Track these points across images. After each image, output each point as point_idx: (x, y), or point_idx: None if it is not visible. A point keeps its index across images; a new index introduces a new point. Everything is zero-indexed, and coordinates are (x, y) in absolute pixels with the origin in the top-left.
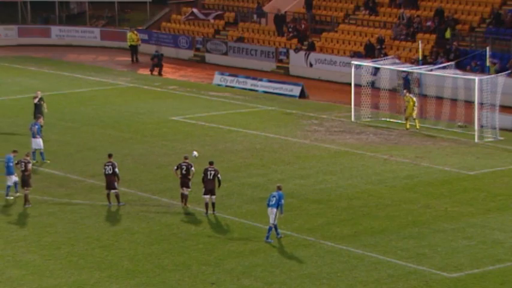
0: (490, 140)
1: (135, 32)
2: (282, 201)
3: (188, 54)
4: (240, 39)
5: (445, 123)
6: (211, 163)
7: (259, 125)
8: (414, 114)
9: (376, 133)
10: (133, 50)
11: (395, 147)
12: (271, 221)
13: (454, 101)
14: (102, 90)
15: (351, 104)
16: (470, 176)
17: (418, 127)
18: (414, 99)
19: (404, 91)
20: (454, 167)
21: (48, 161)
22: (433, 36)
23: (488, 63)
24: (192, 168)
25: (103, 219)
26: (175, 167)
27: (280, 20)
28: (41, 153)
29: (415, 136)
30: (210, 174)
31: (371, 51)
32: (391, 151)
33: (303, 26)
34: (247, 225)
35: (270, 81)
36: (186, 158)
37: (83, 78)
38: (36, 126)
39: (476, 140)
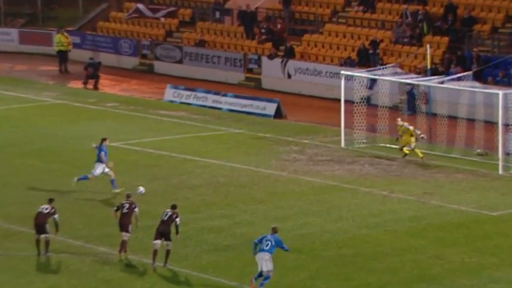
0: None
1: (65, 33)
2: (284, 246)
3: (132, 62)
4: (199, 43)
5: (460, 150)
6: (173, 207)
7: (223, 152)
8: (412, 144)
9: (373, 163)
10: (62, 56)
11: (397, 181)
12: (265, 268)
13: (471, 121)
14: (22, 109)
15: (340, 126)
16: (493, 218)
17: (421, 155)
18: (411, 128)
19: (398, 119)
20: (473, 206)
21: None
22: (445, 39)
23: None
24: (136, 209)
25: (21, 273)
26: (115, 208)
27: (249, 18)
28: None
29: (422, 167)
30: (166, 215)
31: (366, 59)
32: (392, 186)
33: (278, 26)
34: (208, 281)
35: (237, 96)
36: (128, 196)
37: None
38: None
39: (500, 172)
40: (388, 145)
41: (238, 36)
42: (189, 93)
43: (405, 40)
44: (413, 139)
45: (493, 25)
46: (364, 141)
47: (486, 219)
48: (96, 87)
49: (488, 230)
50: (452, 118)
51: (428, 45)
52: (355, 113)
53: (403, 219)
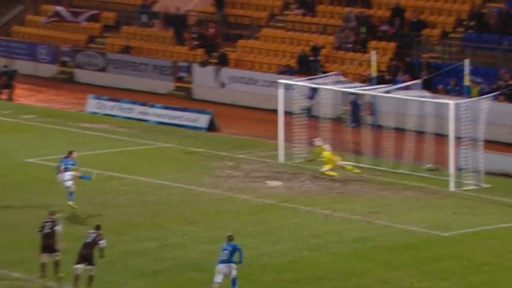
0: (470, 188)
1: None
2: (238, 253)
3: (50, 70)
4: (124, 50)
5: (408, 165)
6: (97, 227)
7: (152, 169)
8: (327, 167)
9: (314, 179)
10: None
11: (341, 199)
12: (233, 275)
13: (420, 134)
14: None
15: (278, 139)
16: (445, 239)
17: (356, 171)
18: (328, 152)
19: (316, 139)
20: (422, 225)
21: None
22: (392, 44)
23: (467, 82)
24: (57, 227)
25: None
26: (40, 228)
27: (179, 22)
28: None
29: (368, 183)
30: (89, 237)
31: (306, 66)
32: (335, 204)
33: (211, 31)
34: None
35: (166, 107)
36: (51, 213)
37: None
38: None
39: (451, 189)
40: None
41: (167, 41)
42: (113, 104)
43: (349, 46)
44: (335, 159)
45: (444, 30)
46: (305, 155)
47: (437, 240)
48: (10, 98)
49: (439, 252)
50: (400, 130)
51: (373, 52)
52: (295, 125)
53: (347, 240)
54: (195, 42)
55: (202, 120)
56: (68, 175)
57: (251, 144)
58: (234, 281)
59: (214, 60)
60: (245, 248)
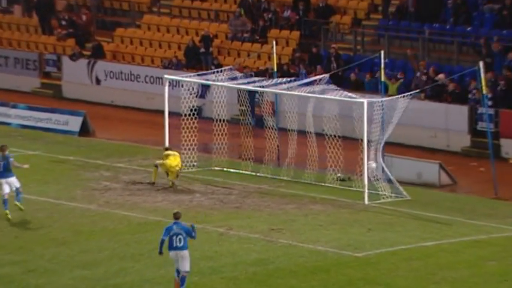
0: (387, 200)
1: None
2: (193, 233)
3: None
4: None
5: (315, 174)
6: None
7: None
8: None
9: (206, 191)
10: None
11: (237, 215)
12: (182, 268)
13: (328, 138)
14: None
15: (164, 145)
16: (359, 260)
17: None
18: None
19: (165, 146)
20: (332, 245)
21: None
22: (295, 34)
23: (383, 78)
24: None
25: None
26: None
27: (45, 8)
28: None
29: (269, 196)
30: None
31: (196, 59)
32: (231, 221)
33: (84, 18)
34: None
35: (30, 108)
36: None
37: None
38: None
39: (366, 202)
40: (226, 169)
41: (31, 30)
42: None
43: (245, 36)
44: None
45: (355, 16)
46: (195, 163)
47: (349, 261)
48: None
49: (352, 275)
50: (304, 133)
51: (274, 42)
52: (184, 128)
53: (244, 263)
54: (65, 31)
55: (74, 123)
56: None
57: (132, 151)
58: (183, 279)
59: (88, 53)
60: (125, 273)
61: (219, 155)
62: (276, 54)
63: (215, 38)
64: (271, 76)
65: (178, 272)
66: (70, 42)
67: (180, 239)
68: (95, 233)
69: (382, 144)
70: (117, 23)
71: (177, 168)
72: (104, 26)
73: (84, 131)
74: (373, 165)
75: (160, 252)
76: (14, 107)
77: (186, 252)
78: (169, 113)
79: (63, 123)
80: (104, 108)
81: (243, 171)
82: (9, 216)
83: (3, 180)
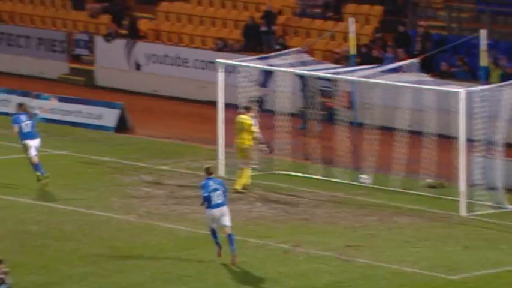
0: (488, 211)
1: None
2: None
3: None
4: None
5: (401, 180)
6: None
7: (37, 185)
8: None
9: (269, 199)
10: None
11: (306, 228)
12: (227, 222)
13: (418, 135)
14: None
15: (217, 144)
16: (453, 284)
17: (239, 187)
18: (251, 122)
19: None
20: (421, 265)
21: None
22: (377, 9)
23: (484, 62)
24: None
25: None
26: None
27: None
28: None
29: (344, 205)
30: None
31: (256, 40)
32: (298, 236)
33: None
34: None
35: (57, 98)
36: None
37: None
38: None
39: (462, 213)
40: (291, 173)
41: (58, 5)
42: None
43: (316, 11)
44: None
45: None
46: (256, 166)
47: (442, 285)
48: None
49: None
50: (389, 131)
51: (351, 19)
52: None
53: (314, 286)
54: (98, 6)
55: (109, 116)
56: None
57: (178, 150)
58: (231, 238)
59: (125, 32)
60: None
61: (283, 155)
62: (354, 33)
63: (279, 14)
64: (347, 61)
65: (214, 233)
66: (104, 19)
67: (219, 195)
68: (133, 249)
69: (488, 144)
70: None
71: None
72: None
73: (122, 126)
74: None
75: (208, 207)
76: (37, 97)
77: (226, 208)
78: (225, 105)
79: (96, 117)
80: (145, 99)
81: (312, 176)
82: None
83: (31, 143)
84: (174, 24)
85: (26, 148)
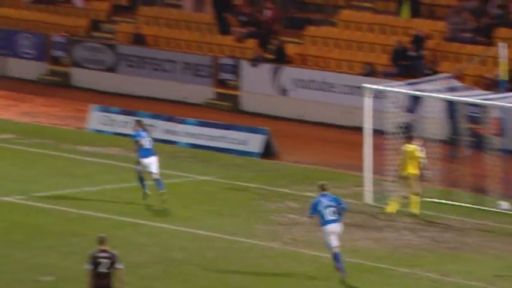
0: None
1: None
2: (343, 204)
3: (37, 69)
4: (137, 39)
5: None
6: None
7: (181, 211)
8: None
9: (416, 228)
10: None
11: (455, 257)
12: (335, 243)
13: None
14: None
15: (363, 170)
16: None
17: (414, 211)
18: (419, 151)
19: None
20: None
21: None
22: None
23: None
24: (120, 265)
25: None
26: (88, 265)
27: (222, 2)
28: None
29: (493, 234)
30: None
31: (404, 65)
32: (446, 265)
33: (267, 14)
34: None
35: (201, 124)
36: (102, 241)
37: None
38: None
39: None
40: (439, 200)
41: (204, 29)
42: (126, 118)
43: (466, 36)
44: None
45: None
46: (402, 194)
47: None
48: None
49: None
50: None
51: (501, 44)
52: (388, 149)
53: None
54: (244, 30)
55: (254, 142)
56: (154, 158)
57: (324, 177)
58: (337, 257)
59: (272, 56)
60: None
61: (431, 182)
62: (505, 59)
63: (428, 39)
64: (497, 86)
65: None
66: (250, 44)
67: (333, 211)
68: (278, 277)
69: None
70: (308, 20)
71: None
72: (291, 23)
73: (267, 152)
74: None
75: (322, 224)
76: (182, 122)
77: (339, 226)
78: (372, 131)
79: (241, 143)
80: (291, 124)
81: (461, 204)
82: (149, 193)
83: (150, 160)
84: (321, 48)
85: (144, 165)
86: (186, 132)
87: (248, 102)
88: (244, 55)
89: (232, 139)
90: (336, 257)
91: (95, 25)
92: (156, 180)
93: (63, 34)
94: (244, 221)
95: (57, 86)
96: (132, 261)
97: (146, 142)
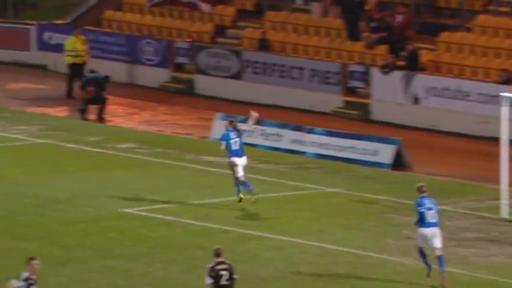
0: None
1: (81, 36)
2: (439, 207)
3: (160, 76)
4: (262, 45)
5: None
6: (217, 253)
7: (308, 224)
8: None
9: None
10: (75, 73)
11: None
12: (438, 244)
13: None
14: None
15: (500, 183)
16: None
17: None
18: None
19: None
20: None
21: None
22: None
23: None
24: (236, 276)
25: None
26: (208, 278)
27: (353, 7)
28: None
29: None
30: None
31: None
32: None
33: (399, 19)
34: None
35: (329, 133)
36: (218, 253)
37: None
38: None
39: None
40: None
41: (333, 34)
42: (252, 127)
43: None
44: None
45: None
46: None
47: None
48: (101, 118)
49: None
50: None
51: None
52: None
53: None
54: (375, 36)
55: (385, 153)
56: (241, 160)
57: (458, 189)
58: (441, 259)
59: (404, 63)
60: None
61: None
62: None
63: None
64: None
65: (423, 253)
66: (381, 50)
67: (433, 215)
68: None
69: None
70: (442, 26)
71: None
72: (424, 29)
73: (398, 163)
74: None
75: (420, 225)
76: (309, 131)
77: (438, 229)
78: (508, 141)
79: (371, 153)
80: (423, 134)
81: None
82: (242, 196)
83: (239, 161)
84: (455, 55)
85: (232, 166)
86: (314, 142)
87: (378, 111)
88: (374, 62)
89: (361, 149)
90: (439, 260)
91: (220, 30)
92: (243, 183)
93: (187, 40)
94: (374, 235)
95: (180, 93)
96: (257, 276)
97: (233, 143)
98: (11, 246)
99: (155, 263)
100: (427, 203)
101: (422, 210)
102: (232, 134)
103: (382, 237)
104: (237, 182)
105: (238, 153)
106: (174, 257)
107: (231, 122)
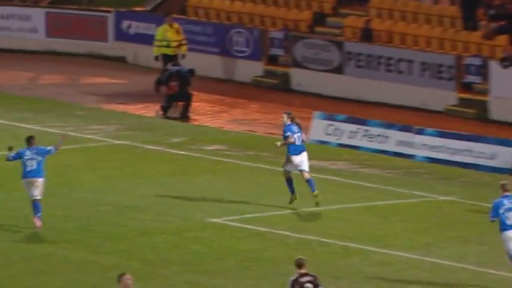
0: None
1: (175, 24)
2: None
3: (251, 70)
4: (365, 35)
5: None
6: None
7: (418, 238)
8: None
9: None
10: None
11: None
12: None
13: None
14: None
15: None
16: None
17: None
18: None
19: None
20: None
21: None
22: None
23: None
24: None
25: None
26: None
27: None
28: None
29: None
30: None
31: None
32: None
33: None
34: None
35: (442, 134)
36: (301, 264)
37: (8, 126)
38: None
39: None
40: None
41: (446, 23)
42: (355, 127)
43: None
44: None
45: None
46: None
47: None
48: (185, 116)
49: None
50: None
51: None
52: None
53: None
54: (494, 25)
55: (505, 156)
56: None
57: None
58: None
59: None
60: None
61: None
62: None
63: None
64: None
65: None
66: (501, 41)
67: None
68: None
69: None
70: None
71: None
72: None
73: None
74: None
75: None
76: (419, 132)
77: None
78: None
79: (489, 157)
80: None
81: None
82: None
83: (299, 157)
84: None
85: (296, 164)
86: (424, 145)
87: (498, 110)
88: (493, 54)
89: (478, 153)
90: None
91: (319, 18)
92: (308, 180)
93: (282, 29)
94: (492, 249)
95: (274, 89)
96: None
97: (296, 138)
98: (87, 259)
99: (245, 279)
100: (507, 203)
101: (502, 212)
102: (295, 129)
103: (500, 251)
104: (291, 180)
105: (299, 149)
106: (266, 273)
107: (289, 115)
